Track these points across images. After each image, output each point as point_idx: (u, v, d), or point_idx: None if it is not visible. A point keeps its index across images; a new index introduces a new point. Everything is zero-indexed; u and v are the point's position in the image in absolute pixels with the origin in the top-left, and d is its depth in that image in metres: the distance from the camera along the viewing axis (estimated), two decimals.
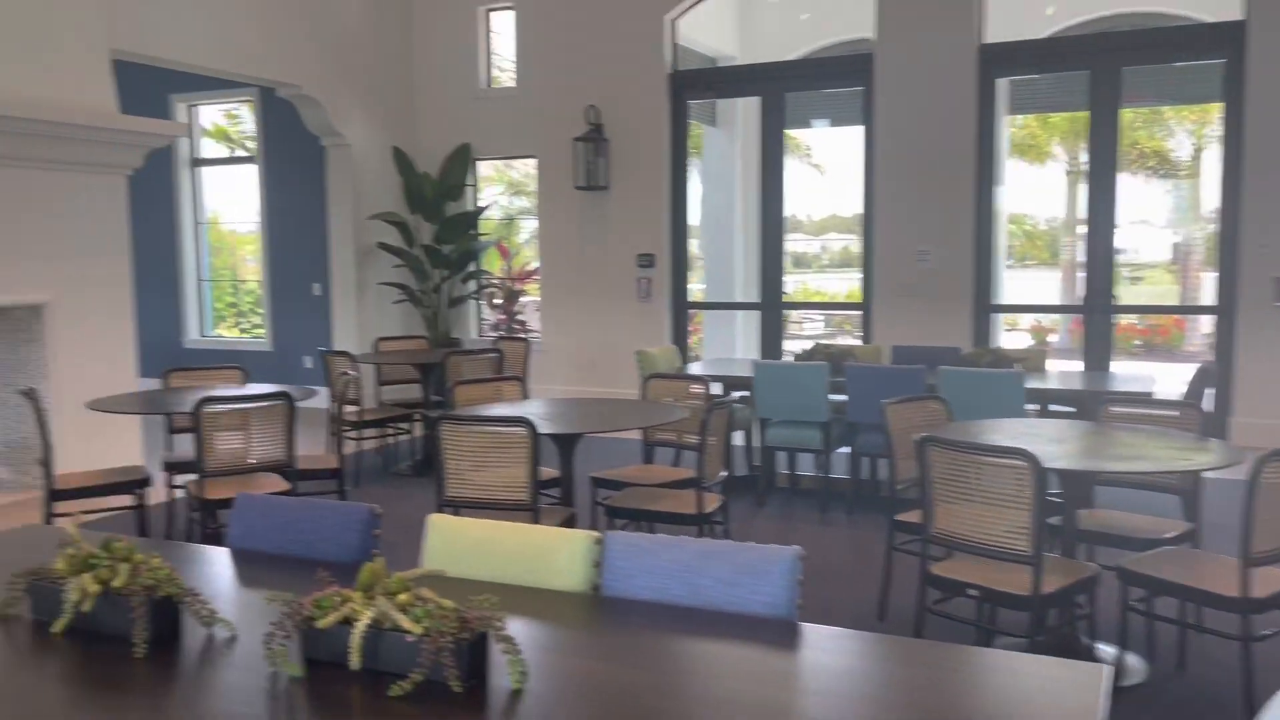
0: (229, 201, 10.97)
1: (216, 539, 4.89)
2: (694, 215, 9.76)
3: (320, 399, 6.84)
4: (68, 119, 6.11)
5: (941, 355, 6.16)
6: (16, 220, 6.11)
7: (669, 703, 1.71)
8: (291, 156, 10.01)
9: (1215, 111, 9.14)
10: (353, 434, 6.73)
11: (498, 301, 10.59)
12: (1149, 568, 3.43)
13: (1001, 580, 3.31)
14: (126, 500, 4.99)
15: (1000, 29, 7.99)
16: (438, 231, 9.60)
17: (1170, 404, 4.60)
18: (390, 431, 7.23)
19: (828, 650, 1.97)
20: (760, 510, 5.97)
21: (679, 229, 9.16)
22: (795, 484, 6.45)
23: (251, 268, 11.11)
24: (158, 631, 1.92)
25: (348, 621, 1.77)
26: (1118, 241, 7.89)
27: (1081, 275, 8.11)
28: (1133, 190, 11.65)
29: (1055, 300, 11.89)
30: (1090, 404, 5.27)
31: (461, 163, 9.77)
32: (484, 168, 10.34)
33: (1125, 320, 11.24)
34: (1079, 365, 7.81)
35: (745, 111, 10.64)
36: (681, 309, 9.27)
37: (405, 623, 1.73)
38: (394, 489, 6.62)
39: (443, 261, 9.56)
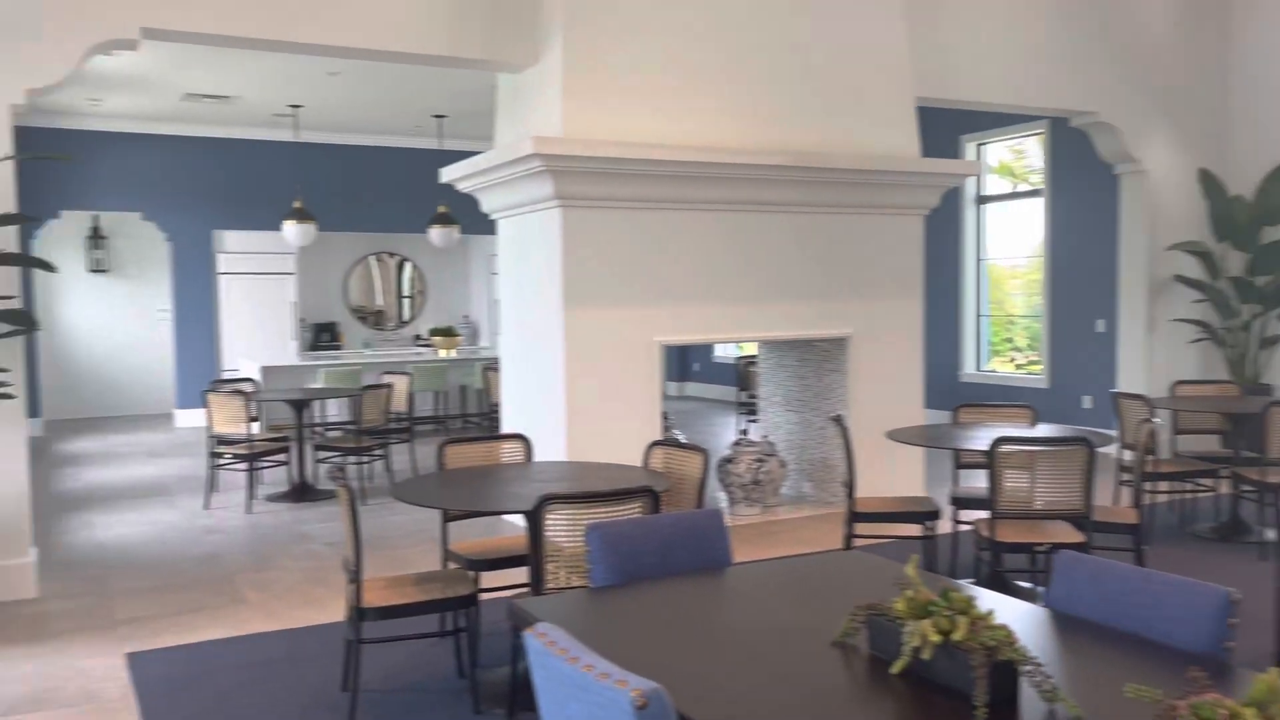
0: (1002, 237, 10.95)
1: (1002, 583, 4.76)
2: None
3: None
4: (881, 165, 6.58)
5: None
6: (830, 261, 6.75)
7: None
8: (1080, 187, 9.61)
9: None
10: (1146, 486, 6.09)
11: None
12: None
13: None
14: (914, 530, 5.13)
15: None
16: (1250, 262, 8.36)
17: None
18: (1190, 488, 6.41)
19: None
20: None
21: None
22: None
23: (1018, 302, 10.94)
24: (996, 694, 1.78)
25: None
26: None
27: None
28: None
29: None
30: None
31: None
32: None
33: None
34: None
35: None
36: None
37: None
38: (1194, 553, 5.83)
39: (1255, 296, 8.29)
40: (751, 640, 2.18)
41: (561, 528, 3.26)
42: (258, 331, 12.29)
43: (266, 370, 10.47)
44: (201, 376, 11.95)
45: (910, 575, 2.03)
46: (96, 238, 12.81)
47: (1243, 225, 8.43)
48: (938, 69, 7.40)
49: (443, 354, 11.68)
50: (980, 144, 10.88)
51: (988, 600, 2.44)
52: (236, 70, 9.09)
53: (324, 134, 12.33)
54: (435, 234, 11.35)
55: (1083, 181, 9.50)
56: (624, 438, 6.07)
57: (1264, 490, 5.82)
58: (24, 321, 4.84)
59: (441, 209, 11.44)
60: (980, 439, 4.90)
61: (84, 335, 12.90)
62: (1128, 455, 6.08)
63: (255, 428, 7.33)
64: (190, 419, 11.92)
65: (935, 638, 1.84)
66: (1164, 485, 6.53)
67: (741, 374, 10.25)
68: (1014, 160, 10.94)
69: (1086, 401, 9.60)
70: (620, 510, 3.27)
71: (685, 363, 15.87)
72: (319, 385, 10.17)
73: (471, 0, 5.95)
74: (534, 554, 3.27)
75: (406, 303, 14.34)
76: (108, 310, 13.02)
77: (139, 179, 11.63)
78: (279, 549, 6.12)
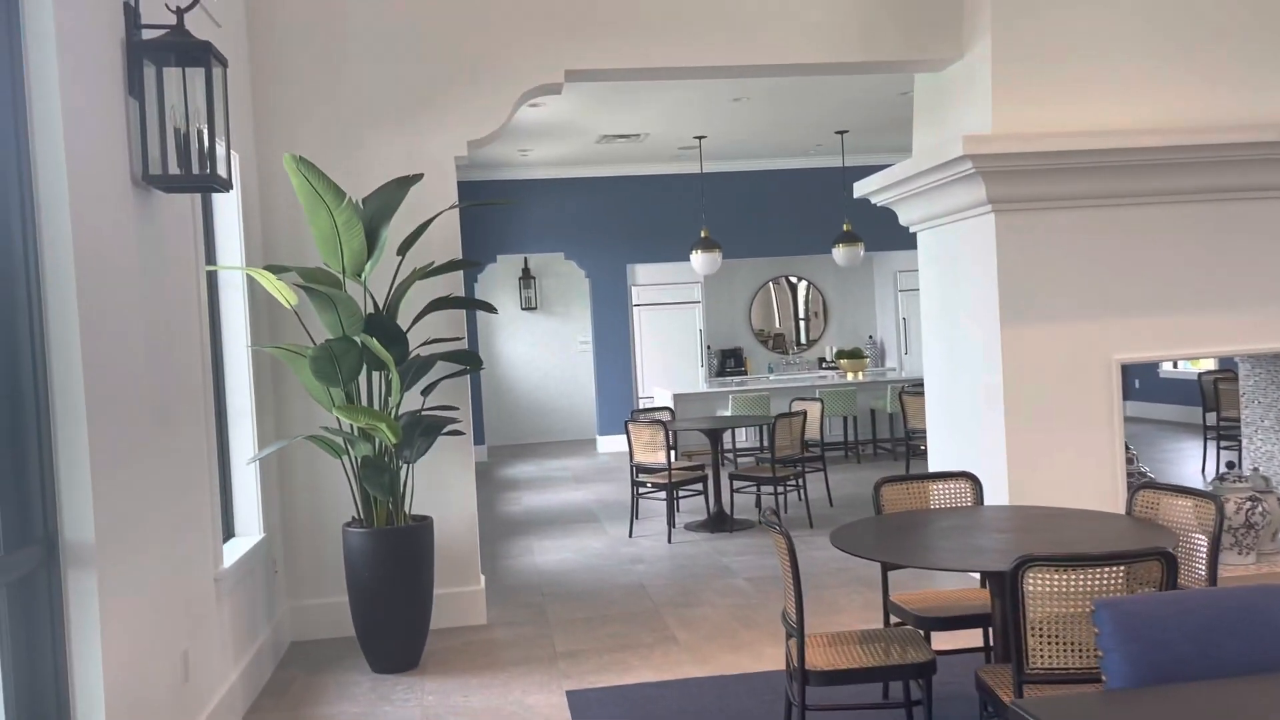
0: None
1: None
2: None
3: None
4: None
5: None
6: None
7: None
8: None
9: None
10: None
11: None
12: None
13: None
14: None
15: None
16: None
17: None
18: None
19: None
20: None
21: None
22: None
23: None
24: None
25: None
26: None
27: None
28: None
29: None
30: None
31: None
32: None
33: None
34: None
35: None
36: None
37: None
38: None
39: None
40: None
41: (1041, 594, 2.71)
42: (668, 359, 12.65)
43: (678, 398, 10.67)
44: (619, 404, 12.50)
45: None
46: (527, 278, 13.92)
47: None
48: None
49: (850, 377, 11.27)
50: None
51: None
52: (646, 108, 9.36)
53: (725, 162, 12.47)
54: (840, 253, 10.99)
55: None
56: (1078, 474, 5.28)
57: None
58: (471, 361, 5.10)
59: (846, 227, 11.07)
60: None
61: (518, 368, 14.05)
62: None
63: (672, 456, 7.36)
64: (610, 445, 12.50)
65: None
66: None
67: (1208, 392, 8.80)
68: None
69: None
70: (1119, 575, 2.66)
71: (1125, 379, 14.15)
72: (728, 412, 10.18)
73: (887, 0, 5.52)
74: (1010, 626, 2.74)
75: (804, 325, 14.11)
76: (537, 344, 14.09)
77: (561, 221, 12.44)
78: (702, 583, 6.02)
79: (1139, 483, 4.11)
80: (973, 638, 3.87)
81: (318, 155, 5.10)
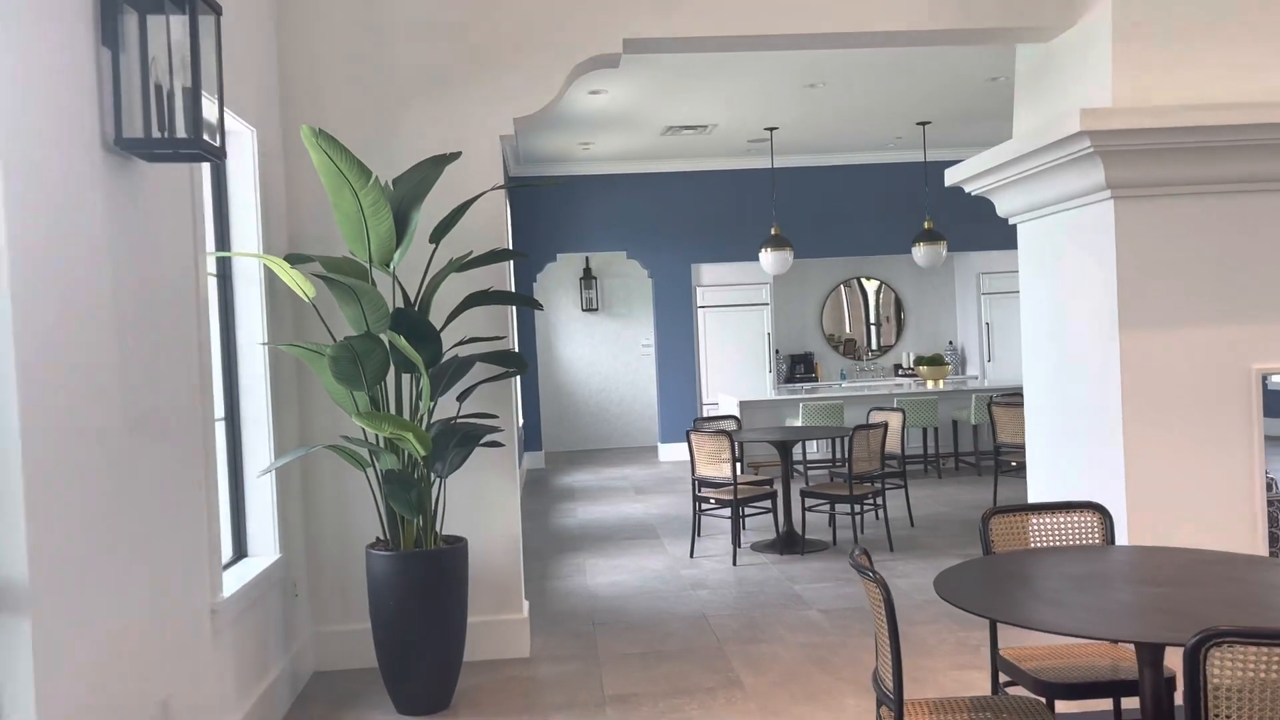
0: None
1: None
2: None
3: None
4: None
5: None
6: None
7: None
8: None
9: None
10: None
11: None
12: None
13: None
14: None
15: None
16: None
17: None
18: None
19: None
20: None
21: None
22: None
23: None
24: None
25: None
26: None
27: None
28: None
29: None
30: None
31: None
32: None
33: None
34: None
35: None
36: None
37: None
38: None
39: None
40: None
41: (1234, 681, 2.05)
42: (734, 364, 12.02)
43: (745, 405, 10.04)
44: (682, 410, 11.90)
45: None
46: (588, 278, 13.39)
47: None
48: None
49: (930, 385, 10.53)
50: None
51: None
52: (714, 96, 8.77)
53: (797, 157, 11.80)
54: (920, 252, 10.25)
55: None
56: (1213, 505, 4.54)
57: None
58: (515, 363, 4.55)
59: (927, 224, 10.33)
60: None
61: (577, 372, 13.52)
62: None
63: (738, 469, 6.74)
64: (672, 453, 11.90)
65: None
66: None
67: None
68: None
69: None
70: None
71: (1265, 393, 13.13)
72: (799, 422, 9.52)
73: None
74: (1195, 715, 2.08)
75: (875, 329, 13.34)
76: (598, 347, 13.54)
77: (623, 219, 11.89)
78: (770, 614, 5.39)
79: None
80: (1104, 705, 3.20)
81: (348, 132, 4.60)
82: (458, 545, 4.24)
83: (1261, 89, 4.56)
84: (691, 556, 6.83)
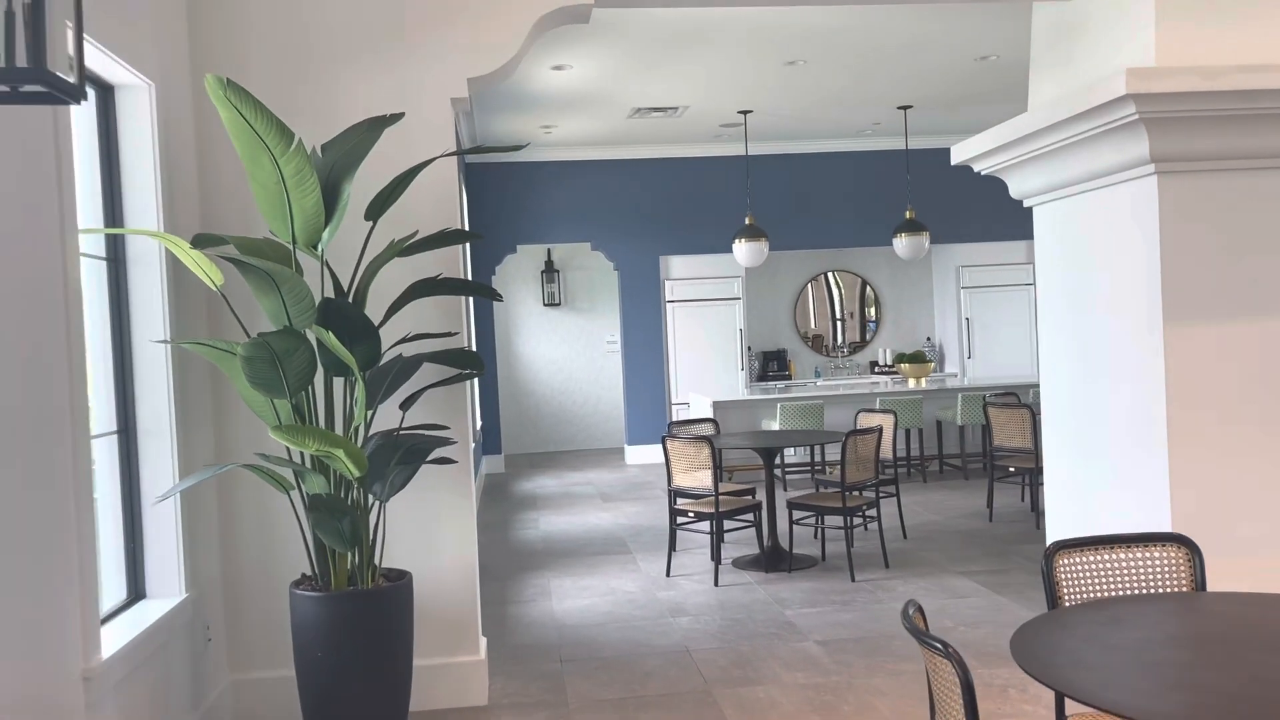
0: None
1: None
2: None
3: None
4: None
5: None
6: None
7: None
8: None
9: None
10: None
11: None
12: None
13: None
14: None
15: None
16: None
17: None
18: None
19: None
20: None
21: None
22: None
23: None
24: None
25: None
26: None
27: None
28: None
29: None
30: None
31: None
32: None
33: None
34: None
35: None
36: None
37: None
38: None
39: None
40: None
41: None
42: (705, 362, 11.40)
43: (718, 406, 9.42)
44: (651, 411, 11.27)
45: None
46: (550, 271, 12.70)
47: None
48: None
49: (912, 384, 9.98)
50: None
51: None
52: (686, 75, 8.12)
53: (771, 144, 11.20)
54: (902, 244, 9.70)
55: None
56: (1274, 530, 3.98)
57: None
58: (470, 363, 3.87)
59: (909, 214, 9.78)
60: None
61: (540, 370, 12.83)
62: None
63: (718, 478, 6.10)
64: (640, 455, 11.26)
65: None
66: None
67: None
68: None
69: None
70: None
71: None
72: (775, 423, 8.92)
73: None
74: None
75: (849, 325, 12.79)
76: (561, 344, 12.85)
77: (588, 208, 11.22)
78: (761, 647, 4.76)
79: None
80: None
81: (273, 94, 3.90)
82: (400, 582, 3.56)
83: None
84: (668, 575, 6.19)
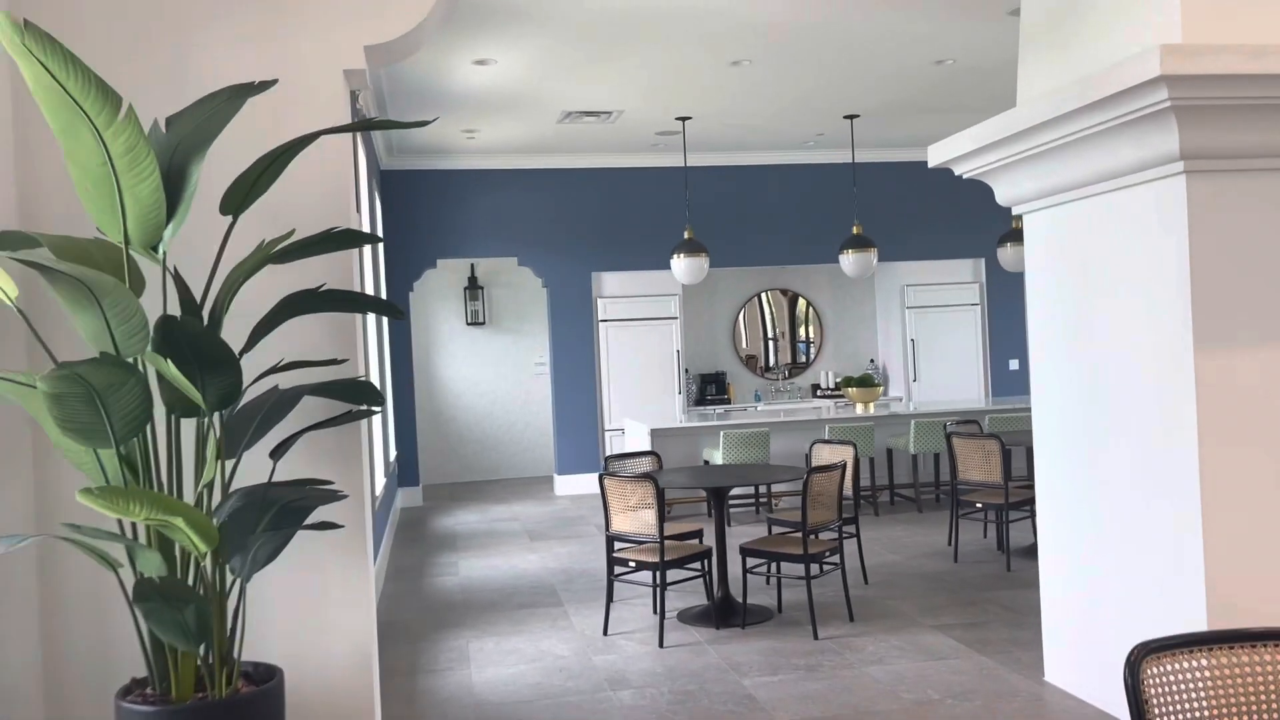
0: None
1: None
2: None
3: None
4: None
5: None
6: None
7: None
8: None
9: None
10: None
11: None
12: None
13: None
14: None
15: None
16: None
17: None
18: None
19: None
20: None
21: None
22: None
23: None
24: None
25: None
26: None
27: None
28: None
29: None
30: None
31: None
32: None
33: None
34: None
35: None
36: None
37: None
38: None
39: None
40: None
41: None
42: (640, 385, 10.67)
43: (657, 434, 8.70)
44: (582, 437, 10.50)
45: None
46: (473, 288, 11.87)
47: None
48: None
49: (860, 409, 9.39)
50: None
51: None
52: (622, 76, 7.44)
53: (709, 155, 10.57)
54: (849, 260, 9.12)
55: None
56: None
57: None
58: (366, 396, 3.09)
59: (856, 229, 9.21)
60: None
61: (462, 394, 11.96)
62: None
63: (659, 518, 5.36)
64: (570, 486, 10.48)
65: None
66: None
67: None
68: None
69: None
70: None
71: None
72: (718, 452, 8.23)
73: None
74: None
75: (791, 346, 12.20)
76: (485, 366, 12.01)
77: (514, 220, 10.44)
78: None
79: None
80: None
81: (116, 62, 3.09)
82: (268, 685, 2.75)
83: None
84: (605, 633, 5.43)
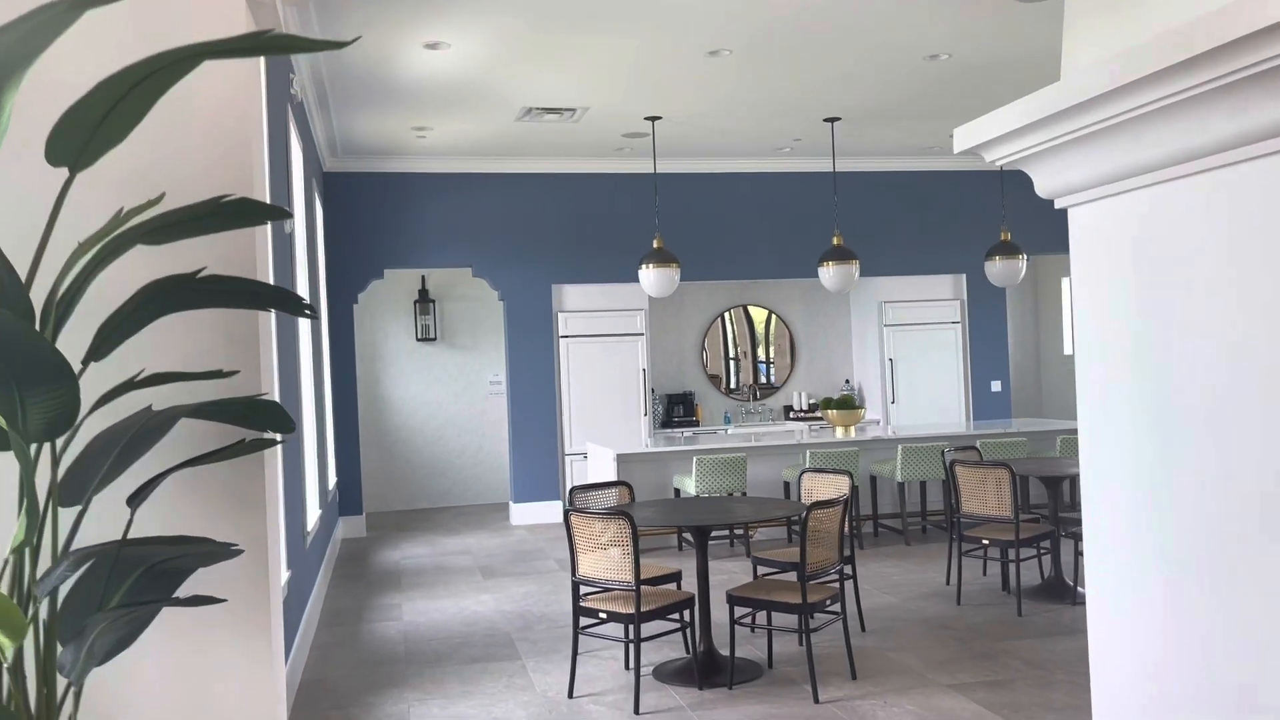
0: None
1: None
2: None
3: None
4: None
5: None
6: None
7: None
8: None
9: None
10: None
11: None
12: None
13: None
14: None
15: None
16: None
17: None
18: None
19: None
20: None
21: None
22: None
23: None
24: None
25: None
26: None
27: None
28: None
29: None
30: None
31: None
32: None
33: None
34: None
35: None
36: None
37: None
38: None
39: None
40: None
41: None
42: (604, 406, 9.94)
43: (623, 460, 7.98)
44: (540, 462, 9.73)
45: None
46: (424, 301, 11.07)
47: None
48: None
49: (840, 433, 8.73)
50: None
51: None
52: (588, 68, 6.75)
53: (680, 160, 9.90)
54: (829, 273, 8.50)
55: None
56: None
57: None
58: (271, 420, 2.33)
59: (836, 240, 8.59)
60: None
61: (411, 415, 11.13)
62: None
63: (628, 558, 4.62)
64: (527, 515, 9.70)
65: None
66: None
67: None
68: None
69: None
70: None
71: None
72: (690, 480, 7.52)
73: None
74: None
75: (736, 365, 11.54)
76: (436, 384, 11.20)
77: (469, 228, 9.69)
78: None
79: None
80: None
81: None
82: None
83: None
84: (571, 696, 4.67)
